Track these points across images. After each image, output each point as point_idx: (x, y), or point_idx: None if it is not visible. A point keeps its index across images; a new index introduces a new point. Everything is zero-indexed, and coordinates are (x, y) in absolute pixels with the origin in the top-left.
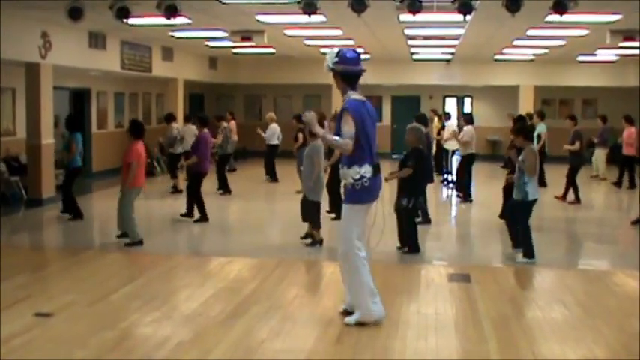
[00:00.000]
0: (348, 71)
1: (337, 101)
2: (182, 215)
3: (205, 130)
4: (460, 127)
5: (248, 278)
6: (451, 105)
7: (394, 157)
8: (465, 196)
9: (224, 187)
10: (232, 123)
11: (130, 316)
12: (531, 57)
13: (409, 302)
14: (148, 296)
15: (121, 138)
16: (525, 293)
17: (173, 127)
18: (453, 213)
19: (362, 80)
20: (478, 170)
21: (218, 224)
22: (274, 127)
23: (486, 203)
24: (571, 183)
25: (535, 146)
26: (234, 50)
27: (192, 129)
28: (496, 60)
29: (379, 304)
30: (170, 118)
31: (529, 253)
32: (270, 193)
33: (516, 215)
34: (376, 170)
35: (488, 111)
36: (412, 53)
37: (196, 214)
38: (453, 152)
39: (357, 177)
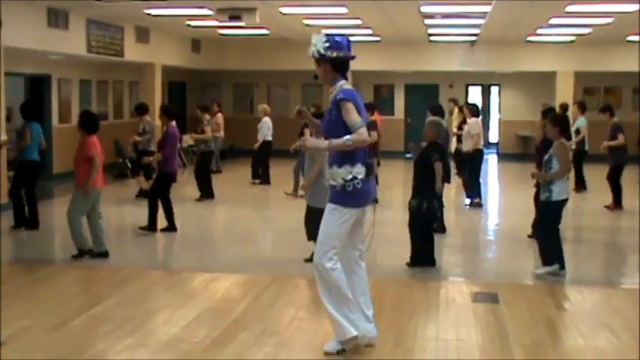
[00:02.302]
0: (339, 58)
1: None
2: (141, 228)
3: (173, 124)
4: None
5: (237, 298)
6: (475, 95)
7: (407, 156)
8: (473, 199)
9: (204, 191)
10: (219, 116)
11: (97, 343)
12: (571, 38)
13: (426, 326)
14: (119, 320)
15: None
16: (563, 316)
17: (144, 120)
18: (476, 221)
19: (370, 66)
20: (506, 171)
21: (201, 235)
22: (268, 122)
23: (515, 210)
24: (616, 184)
25: (573, 142)
26: (221, 31)
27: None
28: (529, 42)
29: (368, 323)
30: (142, 109)
31: (559, 262)
32: (261, 197)
33: (540, 218)
34: (369, 171)
35: (519, 102)
36: (429, 34)
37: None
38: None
39: (349, 177)
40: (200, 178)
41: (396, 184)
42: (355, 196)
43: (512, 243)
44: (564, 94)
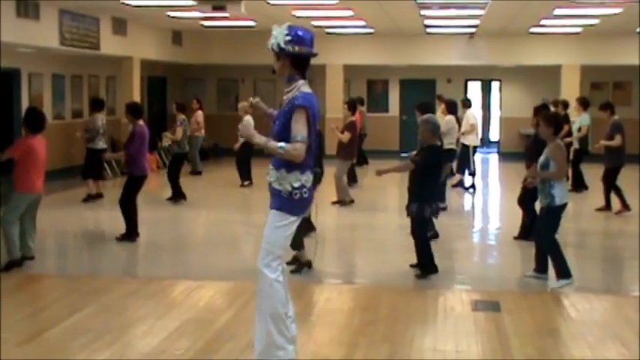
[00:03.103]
0: (302, 54)
1: (332, 86)
2: (119, 238)
3: (141, 123)
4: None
5: (222, 307)
6: (475, 90)
7: (403, 155)
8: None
9: (175, 192)
10: (199, 113)
11: (73, 356)
12: (577, 29)
13: (423, 336)
14: (96, 331)
15: (62, 133)
16: (570, 326)
17: (97, 118)
18: (475, 225)
19: (362, 60)
20: (508, 171)
21: (182, 240)
22: (248, 121)
23: (517, 213)
24: (610, 188)
25: (575, 141)
26: (204, 23)
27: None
28: (532, 34)
29: (291, 352)
30: (96, 104)
31: (563, 272)
32: (245, 200)
33: (539, 225)
34: (315, 179)
35: (522, 98)
36: (426, 26)
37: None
38: (475, 148)
39: (297, 185)
40: (173, 181)
41: (390, 185)
42: (301, 205)
43: (515, 248)
44: (570, 89)
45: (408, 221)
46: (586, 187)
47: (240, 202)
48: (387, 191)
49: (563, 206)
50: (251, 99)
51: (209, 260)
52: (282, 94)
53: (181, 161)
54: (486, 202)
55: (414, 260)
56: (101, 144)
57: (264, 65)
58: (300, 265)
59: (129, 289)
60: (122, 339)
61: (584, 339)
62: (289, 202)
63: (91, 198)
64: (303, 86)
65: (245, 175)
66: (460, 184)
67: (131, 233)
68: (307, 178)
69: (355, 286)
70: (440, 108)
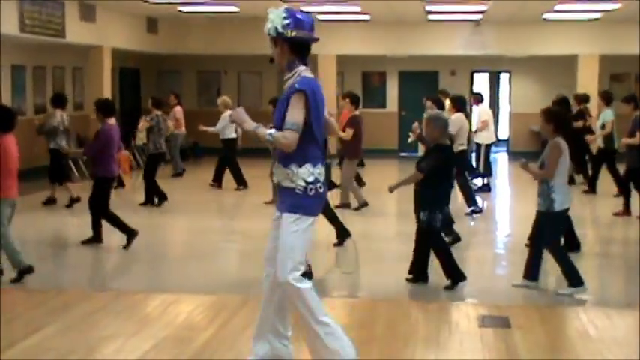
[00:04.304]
0: (302, 39)
1: (324, 79)
2: (85, 242)
3: (111, 122)
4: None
5: (202, 323)
6: (482, 83)
7: (402, 154)
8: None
9: (152, 196)
10: (178, 109)
11: None
12: (596, 15)
13: (425, 354)
14: (61, 351)
15: (23, 131)
16: (588, 345)
17: (57, 114)
18: (482, 231)
19: (357, 50)
20: (518, 172)
21: (158, 249)
22: (228, 117)
23: (528, 218)
24: (626, 188)
25: (599, 139)
26: (182, 8)
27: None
28: (545, 20)
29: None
30: (57, 101)
31: (574, 278)
32: (230, 205)
33: (541, 232)
34: (327, 173)
35: (534, 91)
36: (428, 12)
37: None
38: (488, 147)
39: (311, 179)
40: (149, 183)
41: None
42: (318, 202)
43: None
44: (587, 81)
45: (407, 228)
46: (594, 192)
47: (223, 207)
48: (385, 195)
49: (565, 211)
50: (233, 111)
51: (187, 271)
52: (269, 87)
53: (157, 162)
54: (495, 207)
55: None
56: (63, 143)
57: (249, 55)
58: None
59: (97, 303)
60: (91, 359)
61: (603, 359)
62: (304, 200)
63: (74, 202)
64: (304, 71)
65: (240, 179)
66: (484, 187)
67: (97, 235)
68: (320, 171)
69: (349, 300)
70: (446, 102)
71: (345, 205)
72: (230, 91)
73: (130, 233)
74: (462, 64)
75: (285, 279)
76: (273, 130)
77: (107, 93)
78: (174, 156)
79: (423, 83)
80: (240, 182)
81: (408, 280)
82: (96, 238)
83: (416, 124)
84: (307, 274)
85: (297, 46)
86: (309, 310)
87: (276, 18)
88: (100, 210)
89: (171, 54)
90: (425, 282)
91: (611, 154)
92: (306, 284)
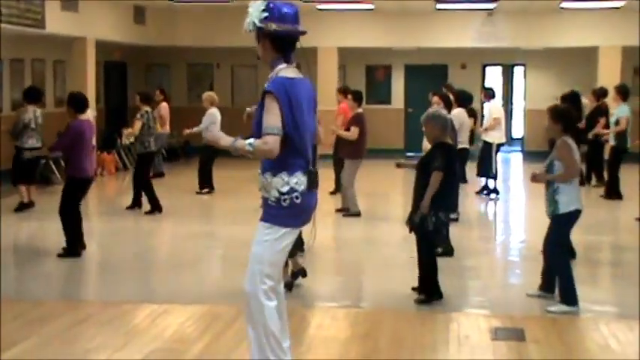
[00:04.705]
0: (282, 33)
1: (325, 73)
2: (60, 255)
3: (85, 117)
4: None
5: (194, 335)
6: (495, 77)
7: (409, 154)
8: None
9: (140, 200)
10: (163, 106)
11: None
12: (618, 3)
13: None
14: None
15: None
16: (609, 358)
17: (28, 110)
18: (495, 237)
19: (360, 42)
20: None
21: (146, 257)
22: (214, 114)
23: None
24: None
25: (611, 136)
26: None
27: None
28: (563, 9)
29: None
30: (30, 95)
31: (569, 295)
32: (220, 210)
33: (549, 235)
34: (312, 181)
35: (550, 86)
36: (436, 1)
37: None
38: (498, 147)
39: (285, 189)
40: (140, 187)
41: (393, 191)
42: (293, 214)
43: (542, 265)
44: (609, 75)
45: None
46: (620, 196)
47: (215, 211)
48: (390, 198)
49: (572, 214)
50: (248, 110)
51: (177, 280)
52: (265, 81)
53: (147, 162)
54: (508, 211)
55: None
56: (31, 142)
57: (244, 48)
58: (295, 274)
59: (80, 315)
60: None
61: None
62: (277, 211)
63: (24, 207)
64: (282, 70)
65: (206, 181)
66: (486, 189)
67: (74, 247)
68: (298, 180)
69: (352, 310)
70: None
71: (346, 210)
72: (223, 87)
73: (73, 247)
74: (472, 58)
75: (249, 290)
76: (251, 140)
77: (91, 88)
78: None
79: (430, 78)
80: (206, 185)
81: (414, 289)
82: (70, 250)
83: None
84: (297, 274)
85: (279, 40)
86: (265, 330)
87: (255, 11)
88: (66, 209)
89: (160, 46)
90: (438, 298)
91: (621, 154)
92: (271, 302)
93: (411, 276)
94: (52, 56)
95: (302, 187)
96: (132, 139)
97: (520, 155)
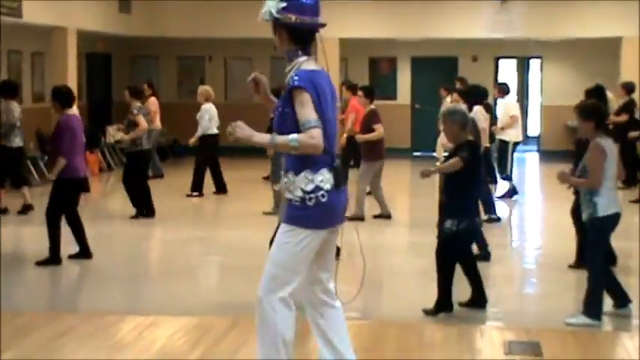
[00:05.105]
0: (301, 24)
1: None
2: (39, 263)
3: (71, 112)
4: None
5: (184, 348)
6: (509, 71)
7: (416, 154)
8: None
9: (141, 206)
10: (152, 101)
11: None
12: None
13: None
14: None
15: None
16: None
17: (14, 106)
18: (509, 243)
19: (363, 33)
20: (550, 174)
21: (133, 264)
22: (210, 109)
23: (563, 229)
24: None
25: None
26: None
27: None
28: None
29: None
30: (6, 90)
31: (594, 309)
32: (215, 213)
33: (587, 241)
34: (338, 178)
35: (569, 80)
36: None
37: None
38: (515, 145)
39: (310, 188)
40: (131, 190)
41: (400, 192)
42: (319, 214)
43: (560, 273)
44: (632, 68)
45: (420, 238)
46: None
47: (208, 215)
48: (396, 201)
49: (612, 217)
50: (253, 74)
51: (167, 290)
52: (261, 75)
53: (140, 162)
54: (523, 215)
55: (428, 287)
56: (17, 141)
57: (238, 39)
58: None
59: (62, 327)
60: None
61: None
62: (300, 212)
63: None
64: (304, 63)
65: (198, 184)
66: (508, 193)
67: (56, 255)
68: (323, 177)
69: (355, 322)
70: (453, 95)
71: (385, 216)
72: (215, 81)
73: (52, 256)
74: (485, 49)
75: (262, 295)
76: (294, 135)
77: (72, 82)
78: (151, 156)
79: (439, 71)
80: (221, 187)
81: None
82: (84, 252)
83: None
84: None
85: (297, 32)
86: (275, 342)
87: (271, 1)
88: (56, 215)
89: (148, 37)
90: (483, 306)
91: None
92: (286, 311)
93: (417, 285)
94: (29, 48)
95: (328, 185)
96: (117, 138)
97: (536, 155)
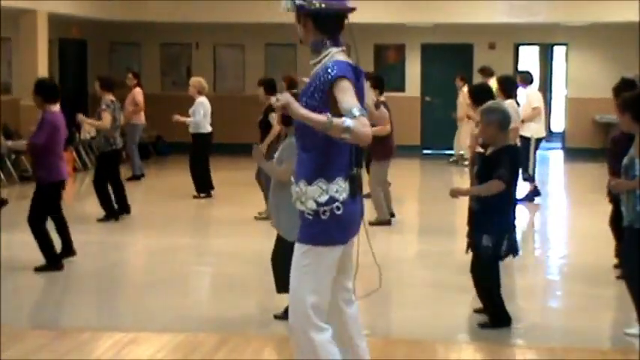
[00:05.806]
0: (328, 11)
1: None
2: (38, 269)
3: (54, 109)
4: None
5: None
6: (530, 60)
7: (426, 152)
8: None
9: (112, 208)
10: (138, 91)
11: None
12: None
13: None
14: None
15: None
16: None
17: None
18: (530, 253)
19: (368, 18)
20: (576, 174)
21: (111, 275)
22: (204, 103)
23: (590, 236)
24: None
25: None
26: None
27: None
28: None
29: None
30: None
31: None
32: (203, 218)
33: (624, 252)
34: (354, 187)
35: (597, 70)
36: None
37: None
38: (538, 142)
39: (324, 200)
40: (100, 191)
41: (409, 194)
42: (335, 228)
43: (588, 286)
44: None
45: (431, 247)
46: None
47: (193, 220)
48: (404, 205)
49: None
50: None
51: (148, 304)
52: (254, 64)
53: (111, 162)
54: (547, 221)
55: (438, 301)
56: None
57: (227, 24)
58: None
59: (33, 344)
60: None
61: None
62: (314, 228)
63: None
64: (336, 54)
65: (202, 183)
66: (530, 195)
67: (54, 259)
68: (338, 187)
69: None
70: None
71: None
72: (204, 70)
73: (54, 262)
74: (503, 36)
75: (295, 326)
76: (350, 121)
77: (42, 71)
78: (131, 153)
79: (452, 60)
80: (204, 189)
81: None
82: (50, 264)
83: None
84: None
85: (324, 20)
86: None
87: None
88: (41, 221)
89: (128, 21)
90: (507, 324)
91: None
92: (323, 335)
93: (428, 299)
94: None
95: (344, 195)
96: (93, 134)
97: (560, 153)
